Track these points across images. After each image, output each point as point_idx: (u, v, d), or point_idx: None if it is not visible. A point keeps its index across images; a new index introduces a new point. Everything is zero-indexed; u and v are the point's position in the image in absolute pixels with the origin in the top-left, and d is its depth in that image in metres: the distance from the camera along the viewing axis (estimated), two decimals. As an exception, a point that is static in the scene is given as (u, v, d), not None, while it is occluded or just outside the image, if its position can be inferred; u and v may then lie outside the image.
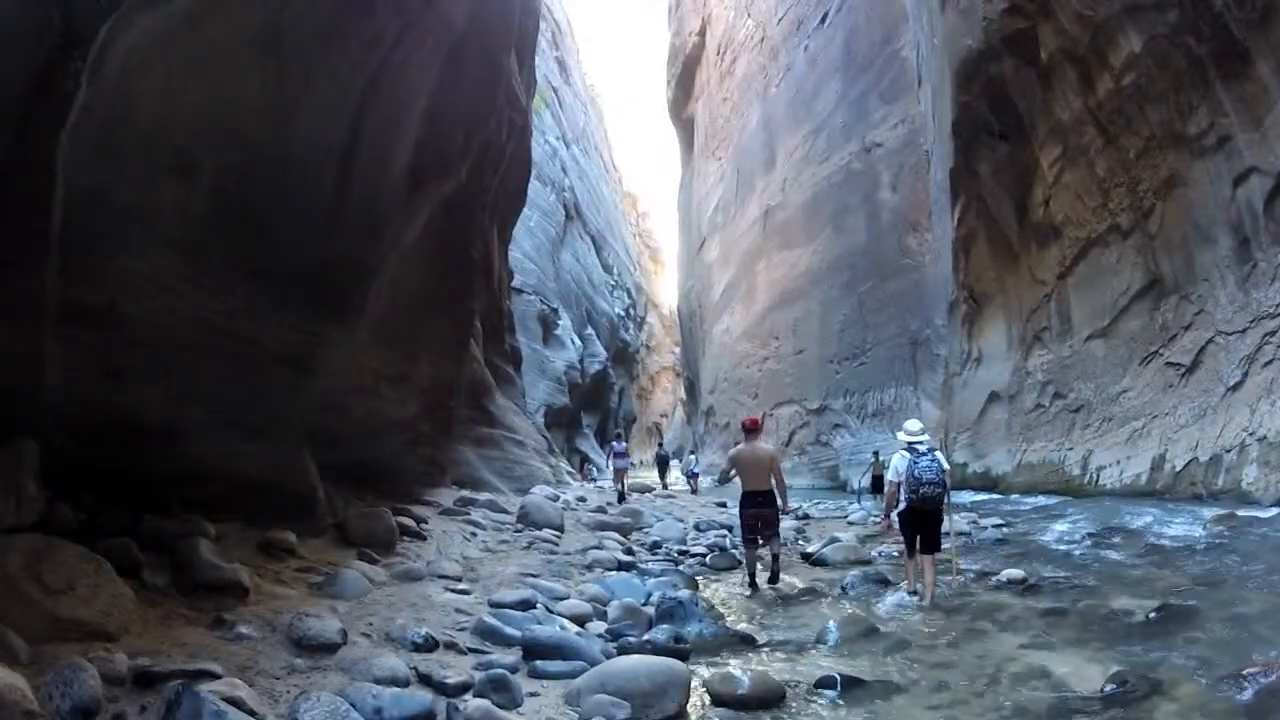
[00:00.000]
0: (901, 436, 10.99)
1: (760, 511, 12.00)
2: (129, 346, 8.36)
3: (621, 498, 25.21)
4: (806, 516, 22.32)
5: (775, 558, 12.12)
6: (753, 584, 11.95)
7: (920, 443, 10.76)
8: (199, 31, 8.15)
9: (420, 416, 17.09)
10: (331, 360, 12.15)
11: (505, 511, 16.44)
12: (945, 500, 10.75)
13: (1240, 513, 14.06)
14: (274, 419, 10.78)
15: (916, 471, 10.40)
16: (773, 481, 12.01)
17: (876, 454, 28.15)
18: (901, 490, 10.64)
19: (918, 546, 10.59)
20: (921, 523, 10.52)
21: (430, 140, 13.82)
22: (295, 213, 10.56)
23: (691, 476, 39.59)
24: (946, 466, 10.77)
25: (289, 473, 10.98)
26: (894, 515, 11.36)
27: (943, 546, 10.86)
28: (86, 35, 6.64)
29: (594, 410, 70.43)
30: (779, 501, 12.15)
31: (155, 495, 8.81)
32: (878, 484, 25.17)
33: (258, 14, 9.09)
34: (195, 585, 7.35)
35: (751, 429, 12.72)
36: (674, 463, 45.14)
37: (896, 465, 10.77)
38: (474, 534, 13.96)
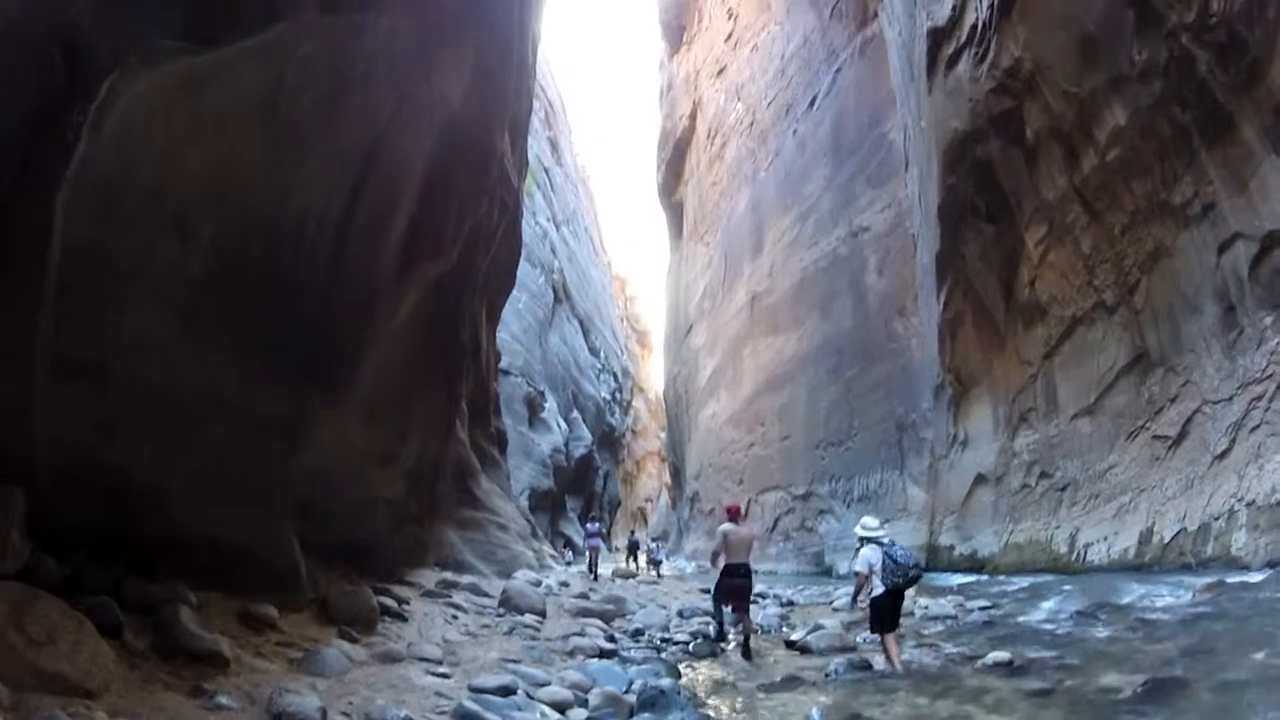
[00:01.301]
0: (862, 531, 11.86)
1: (740, 582, 13.33)
2: (119, 405, 8.34)
3: (595, 576, 27.73)
4: (791, 603, 22.10)
5: (747, 636, 13.27)
6: (720, 634, 13.86)
7: (882, 535, 11.71)
8: (201, 94, 8.25)
9: (406, 496, 17.01)
10: (320, 435, 12.11)
11: (487, 595, 16.34)
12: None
13: (1230, 579, 13.94)
14: (261, 490, 10.73)
15: (897, 558, 11.27)
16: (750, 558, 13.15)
17: (862, 540, 27.98)
18: (877, 578, 11.34)
19: (888, 626, 11.34)
20: (894, 604, 11.38)
21: (424, 218, 13.91)
22: (290, 283, 10.59)
23: (655, 564, 40.91)
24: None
25: (273, 545, 10.92)
26: (864, 599, 11.92)
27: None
28: (90, 87, 6.71)
29: (579, 493, 70.11)
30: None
31: (139, 556, 8.76)
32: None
33: (259, 80, 9.21)
34: (176, 651, 7.29)
35: (735, 514, 14.02)
36: (648, 547, 45.90)
37: (867, 557, 11.49)
38: (455, 617, 13.87)
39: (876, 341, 36.34)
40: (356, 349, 12.78)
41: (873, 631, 11.72)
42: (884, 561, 11.26)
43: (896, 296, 34.88)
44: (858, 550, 11.88)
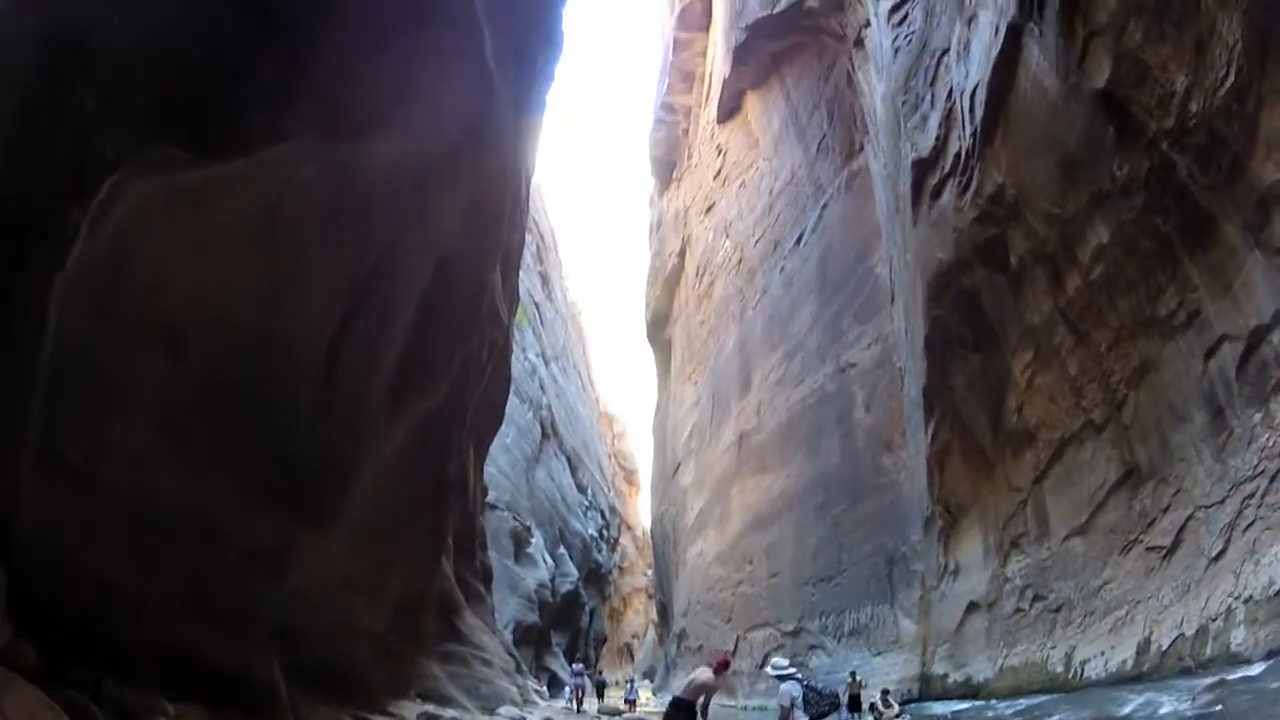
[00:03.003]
0: (773, 671, 13.58)
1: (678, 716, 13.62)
2: (102, 511, 8.27)
3: (580, 709, 29.71)
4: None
5: None
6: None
7: (794, 672, 13.31)
8: (200, 207, 8.35)
9: (389, 627, 16.83)
10: (304, 562, 12.02)
11: (470, 731, 16.02)
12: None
13: (1230, 676, 13.71)
14: (242, 612, 10.60)
15: (820, 687, 13.19)
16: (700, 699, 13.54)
17: (853, 674, 27.58)
18: (799, 710, 12.54)
19: None
20: None
21: (415, 353, 14.00)
22: (278, 410, 10.60)
23: (629, 702, 41.07)
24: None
25: (253, 666, 10.76)
26: None
27: None
28: (92, 184, 6.76)
29: (564, 629, 69.13)
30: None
31: (118, 658, 8.57)
32: (855, 703, 24.70)
33: (258, 200, 9.33)
34: (151, 763, 7.09)
35: (720, 664, 14.27)
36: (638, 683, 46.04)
37: (789, 691, 12.66)
38: (436, 750, 13.59)
39: (864, 477, 36.14)
40: (344, 479, 12.75)
41: None
42: (805, 694, 12.64)
43: (884, 431, 34.79)
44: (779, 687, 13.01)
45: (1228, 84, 14.75)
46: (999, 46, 19.76)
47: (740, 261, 53.75)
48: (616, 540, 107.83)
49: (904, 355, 30.82)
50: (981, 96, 20.80)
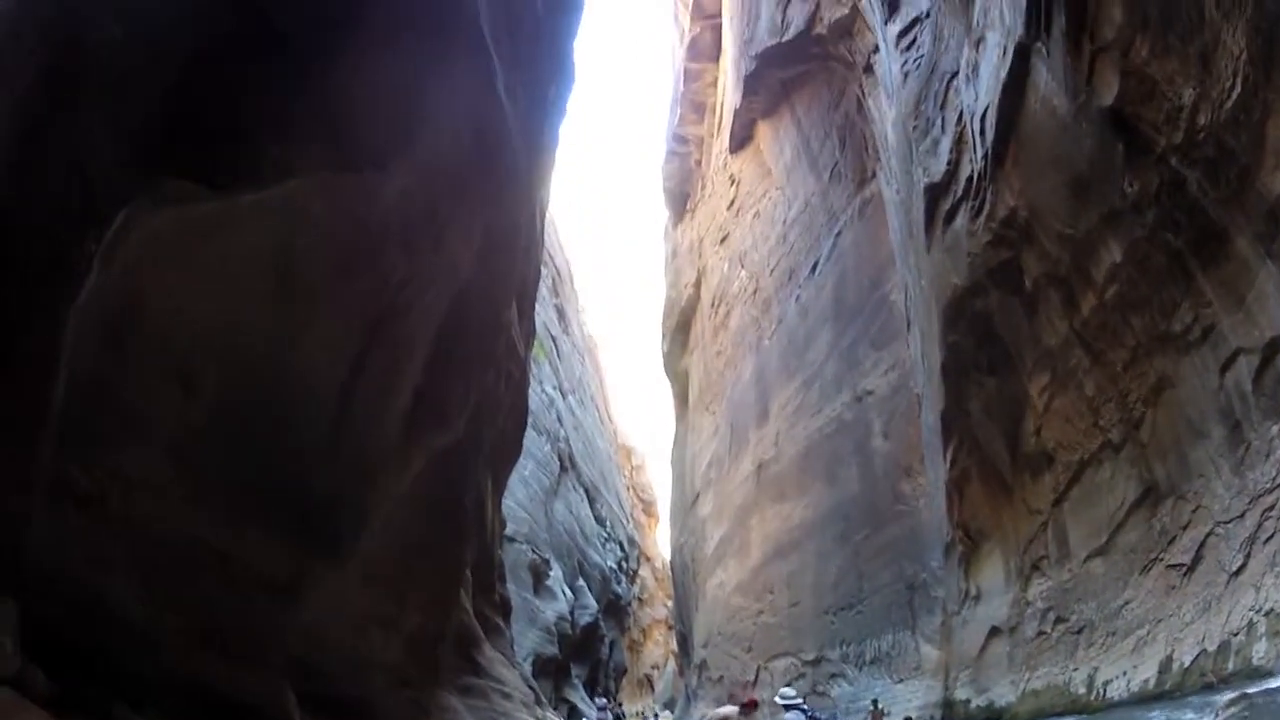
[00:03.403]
0: (781, 701, 13.48)
1: None
2: (114, 541, 8.28)
3: None
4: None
5: None
6: None
7: (801, 703, 13.49)
8: (212, 241, 8.38)
9: (406, 660, 16.75)
10: (320, 594, 11.98)
11: (490, 764, 15.94)
12: None
13: (1251, 690, 13.51)
14: (256, 644, 10.57)
15: (822, 717, 12.58)
16: None
17: (875, 702, 27.48)
18: None
19: None
20: None
21: (430, 389, 14.00)
22: (292, 442, 10.60)
23: None
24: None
25: (267, 699, 10.70)
26: None
27: None
28: (104, 216, 6.79)
29: (584, 661, 68.78)
30: None
31: (130, 687, 8.54)
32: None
33: (270, 235, 9.36)
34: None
35: (747, 706, 14.61)
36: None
37: None
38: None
39: (884, 504, 36.00)
40: (359, 512, 12.73)
41: None
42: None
43: (902, 458, 34.66)
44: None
45: (1234, 95, 14.70)
46: (1007, 67, 19.75)
47: (755, 291, 53.71)
48: (636, 572, 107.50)
49: (921, 381, 30.73)
50: (992, 118, 20.78)
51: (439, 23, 12.33)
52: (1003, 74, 20.00)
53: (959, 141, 23.41)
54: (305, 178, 9.60)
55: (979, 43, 21.72)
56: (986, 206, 21.63)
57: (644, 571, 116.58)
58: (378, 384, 12.25)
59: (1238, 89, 14.70)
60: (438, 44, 12.35)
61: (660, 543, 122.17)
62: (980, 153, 21.63)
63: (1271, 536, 15.40)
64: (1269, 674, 14.32)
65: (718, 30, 63.21)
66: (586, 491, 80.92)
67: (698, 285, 67.69)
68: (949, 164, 23.80)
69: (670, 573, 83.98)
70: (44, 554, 7.59)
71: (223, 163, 8.26)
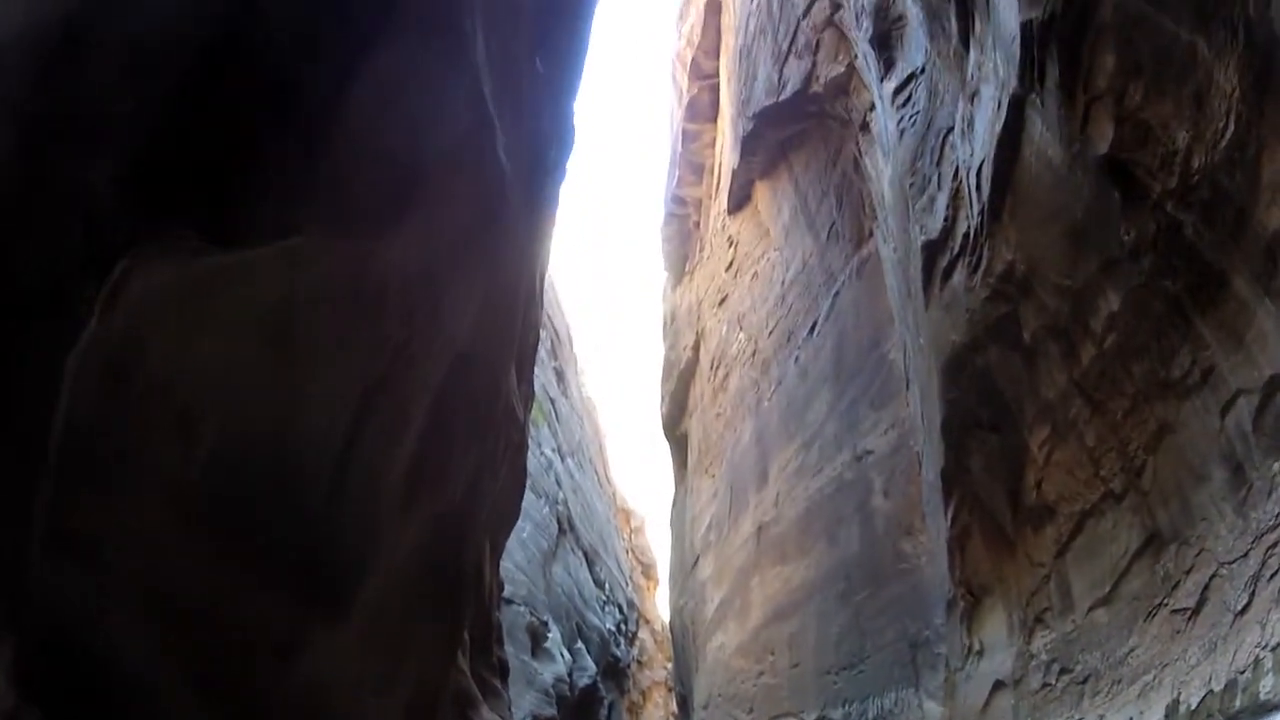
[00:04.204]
0: None
1: None
2: (111, 592, 8.24)
3: None
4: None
5: None
6: None
7: None
8: (214, 294, 8.43)
9: (404, 723, 16.60)
10: (317, 654, 11.92)
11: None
12: None
13: None
14: (251, 701, 10.48)
15: None
16: None
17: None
18: None
19: None
20: None
21: (429, 450, 14.01)
22: (291, 500, 10.59)
23: None
24: None
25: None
26: None
27: None
28: (106, 261, 6.82)
29: (582, 724, 68.16)
30: None
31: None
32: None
33: (272, 291, 9.40)
34: None
35: None
36: None
37: None
38: None
39: (885, 563, 35.83)
40: (357, 572, 12.68)
41: None
42: None
43: (903, 517, 34.56)
44: None
45: (1228, 133, 14.87)
46: (1002, 120, 19.94)
47: (754, 353, 53.72)
48: (635, 634, 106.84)
49: (921, 439, 30.71)
50: (987, 172, 20.96)
51: (440, 83, 12.45)
52: (998, 127, 20.19)
53: (955, 197, 23.59)
54: (307, 236, 9.65)
55: (974, 97, 21.93)
56: (984, 261, 21.75)
57: (643, 634, 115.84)
58: (377, 447, 12.25)
59: (1231, 127, 14.87)
60: (439, 106, 12.46)
61: (659, 605, 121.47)
62: (976, 207, 21.78)
63: (1276, 573, 15.39)
64: (1276, 708, 14.32)
65: (715, 91, 63.67)
66: (585, 554, 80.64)
67: (696, 347, 67.63)
68: (946, 220, 23.95)
69: (670, 635, 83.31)
70: (42, 602, 7.54)
71: (225, 217, 8.31)
